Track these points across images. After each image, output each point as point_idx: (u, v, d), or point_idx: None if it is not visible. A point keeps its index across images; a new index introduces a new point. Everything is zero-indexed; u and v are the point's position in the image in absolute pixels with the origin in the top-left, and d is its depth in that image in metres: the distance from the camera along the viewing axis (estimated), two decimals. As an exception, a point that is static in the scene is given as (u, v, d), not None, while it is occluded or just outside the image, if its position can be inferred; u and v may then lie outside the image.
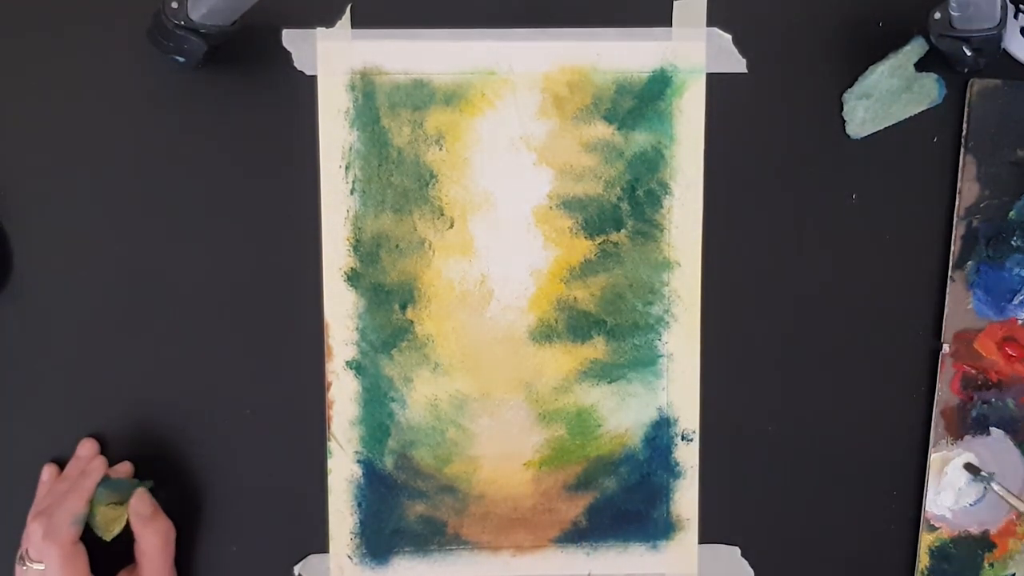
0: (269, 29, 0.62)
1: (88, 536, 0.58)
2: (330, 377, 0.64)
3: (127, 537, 0.60)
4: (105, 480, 0.59)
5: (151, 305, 0.63)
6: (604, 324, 0.64)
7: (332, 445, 0.64)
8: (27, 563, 0.57)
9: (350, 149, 0.63)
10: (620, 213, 0.64)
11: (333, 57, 0.62)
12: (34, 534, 0.57)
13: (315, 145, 0.62)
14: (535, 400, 0.64)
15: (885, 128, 0.63)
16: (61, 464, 0.63)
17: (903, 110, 0.63)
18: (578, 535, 0.65)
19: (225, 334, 0.63)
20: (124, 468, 0.62)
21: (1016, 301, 0.64)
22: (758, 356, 0.65)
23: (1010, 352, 0.64)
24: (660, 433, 0.65)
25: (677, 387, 0.64)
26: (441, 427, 0.64)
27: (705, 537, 0.65)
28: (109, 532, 0.59)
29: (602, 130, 0.63)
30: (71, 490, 0.58)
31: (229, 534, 0.64)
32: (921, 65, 0.62)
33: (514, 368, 0.64)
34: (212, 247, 0.63)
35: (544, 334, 0.64)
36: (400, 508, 0.64)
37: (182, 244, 0.63)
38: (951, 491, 0.65)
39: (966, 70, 0.62)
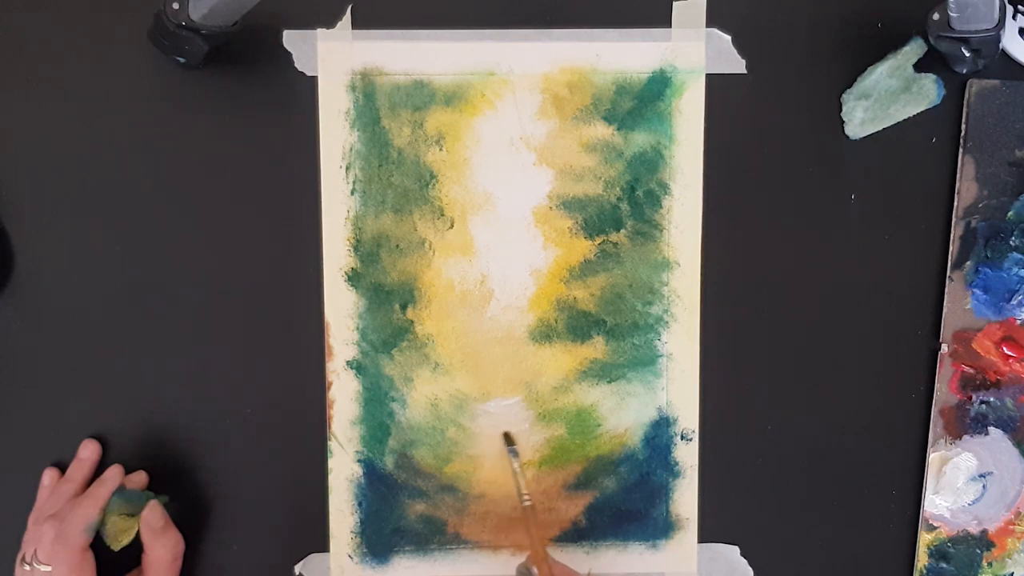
0: (270, 30, 0.62)
1: (94, 539, 0.58)
2: (330, 377, 0.64)
3: (136, 544, 0.60)
4: (120, 490, 0.59)
5: (151, 305, 0.63)
6: (604, 324, 0.64)
7: (332, 444, 0.64)
8: (33, 564, 0.57)
9: (350, 149, 0.63)
10: (620, 213, 0.64)
11: (334, 58, 0.62)
12: (44, 536, 0.57)
13: (315, 145, 0.63)
14: (535, 400, 0.64)
15: (884, 128, 0.63)
16: (61, 468, 0.63)
17: (902, 111, 0.63)
18: (578, 534, 0.65)
19: (226, 334, 0.63)
20: (139, 478, 0.62)
21: (1014, 301, 0.64)
22: (757, 356, 0.65)
23: (1008, 352, 0.64)
24: (659, 433, 0.65)
25: (676, 387, 0.65)
26: (441, 427, 0.64)
27: (704, 536, 0.65)
28: (118, 542, 0.59)
29: (602, 130, 0.63)
30: (85, 497, 0.58)
31: (230, 533, 0.64)
32: (920, 66, 0.62)
33: (514, 368, 0.64)
34: (212, 247, 0.63)
35: (544, 334, 0.64)
36: (400, 507, 0.65)
37: (182, 244, 0.63)
38: (950, 490, 0.65)
39: (965, 71, 0.62)
